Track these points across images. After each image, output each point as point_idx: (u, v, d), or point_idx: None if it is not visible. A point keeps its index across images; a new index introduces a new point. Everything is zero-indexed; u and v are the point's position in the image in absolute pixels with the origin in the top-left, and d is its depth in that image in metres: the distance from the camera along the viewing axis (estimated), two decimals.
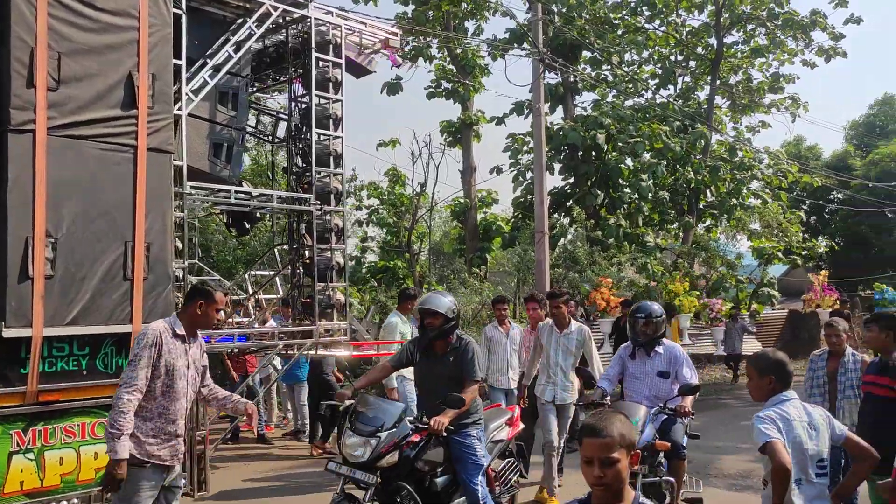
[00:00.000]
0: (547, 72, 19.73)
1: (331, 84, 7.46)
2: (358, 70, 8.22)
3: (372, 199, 22.32)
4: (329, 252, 7.38)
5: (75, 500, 5.86)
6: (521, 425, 6.48)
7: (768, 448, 3.59)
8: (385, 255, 21.91)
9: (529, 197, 22.15)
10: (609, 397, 6.42)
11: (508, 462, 6.12)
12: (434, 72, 22.11)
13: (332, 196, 7.43)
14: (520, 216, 22.31)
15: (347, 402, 5.13)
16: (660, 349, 6.20)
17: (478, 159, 22.19)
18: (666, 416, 6.03)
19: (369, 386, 5.82)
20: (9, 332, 5.47)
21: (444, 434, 5.02)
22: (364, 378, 5.61)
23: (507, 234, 22.16)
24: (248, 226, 8.21)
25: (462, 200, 21.99)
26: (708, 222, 22.45)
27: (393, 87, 21.69)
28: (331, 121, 7.46)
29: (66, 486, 5.81)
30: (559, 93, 22.97)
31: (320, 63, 7.45)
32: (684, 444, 6.29)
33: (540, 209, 17.34)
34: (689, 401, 5.95)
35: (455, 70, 21.89)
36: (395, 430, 4.92)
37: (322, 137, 7.50)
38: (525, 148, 22.13)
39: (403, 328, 7.99)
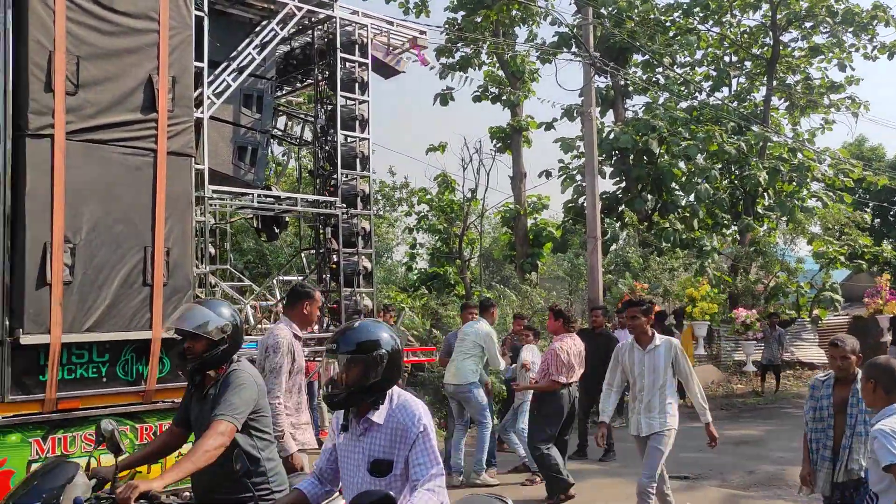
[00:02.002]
0: (597, 75, 19.32)
1: (357, 85, 7.21)
2: (386, 70, 7.96)
3: (422, 204, 22.14)
4: (356, 256, 7.12)
5: None
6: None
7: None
8: (435, 262, 21.67)
9: (580, 201, 21.66)
10: None
11: None
12: (484, 78, 21.84)
13: (359, 199, 7.17)
14: (570, 221, 21.81)
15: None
16: (377, 416, 3.05)
17: (527, 165, 21.77)
18: None
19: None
20: (27, 339, 5.32)
21: None
22: (139, 453, 4.09)
23: (558, 239, 21.69)
24: (277, 230, 8.03)
25: (512, 206, 21.63)
26: (766, 225, 21.54)
27: (444, 98, 21.48)
28: (357, 122, 7.20)
29: None
30: (609, 96, 22.44)
31: (346, 63, 7.21)
32: None
33: (592, 214, 16.85)
34: None
35: (504, 76, 21.56)
36: None
37: (349, 139, 7.25)
38: (575, 152, 21.66)
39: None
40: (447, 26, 21.43)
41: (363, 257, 7.14)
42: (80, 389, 5.61)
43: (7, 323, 5.32)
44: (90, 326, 5.60)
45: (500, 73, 21.77)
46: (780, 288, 19.34)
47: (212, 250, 8.37)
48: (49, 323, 5.40)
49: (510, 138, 21.62)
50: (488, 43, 20.48)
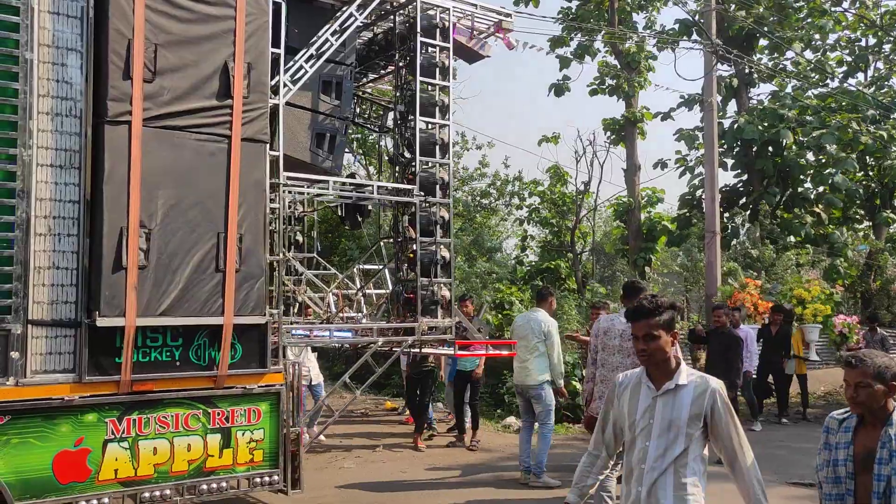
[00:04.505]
0: (719, 63, 18.15)
1: (437, 70, 6.90)
2: (470, 55, 7.61)
3: (533, 196, 21.61)
4: (434, 246, 6.82)
5: (168, 491, 5.69)
6: None
7: None
8: (545, 255, 21.09)
9: (698, 194, 20.52)
10: None
11: None
12: (598, 67, 21.01)
13: (438, 187, 6.86)
14: (686, 214, 20.68)
15: None
16: None
17: (642, 157, 20.76)
18: None
19: None
20: (103, 322, 5.36)
21: None
22: None
23: (673, 233, 20.61)
24: (360, 219, 7.86)
25: (625, 199, 20.73)
26: None
27: (560, 89, 20.84)
28: (437, 108, 6.89)
29: (159, 476, 5.66)
30: (733, 85, 21.08)
31: (427, 48, 6.91)
32: None
33: (711, 207, 15.90)
34: None
35: (619, 66, 20.66)
36: None
37: (429, 126, 6.95)
38: (695, 144, 20.53)
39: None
40: (561, 16, 20.79)
41: (442, 246, 6.84)
42: (154, 372, 5.62)
43: (85, 305, 5.39)
44: (164, 311, 5.59)
45: (616, 62, 20.85)
46: None
47: (300, 238, 8.36)
48: (124, 306, 5.42)
49: (624, 130, 20.70)
50: (604, 32, 19.66)
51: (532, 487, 7.69)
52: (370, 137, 17.89)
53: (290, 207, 8.13)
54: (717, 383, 3.28)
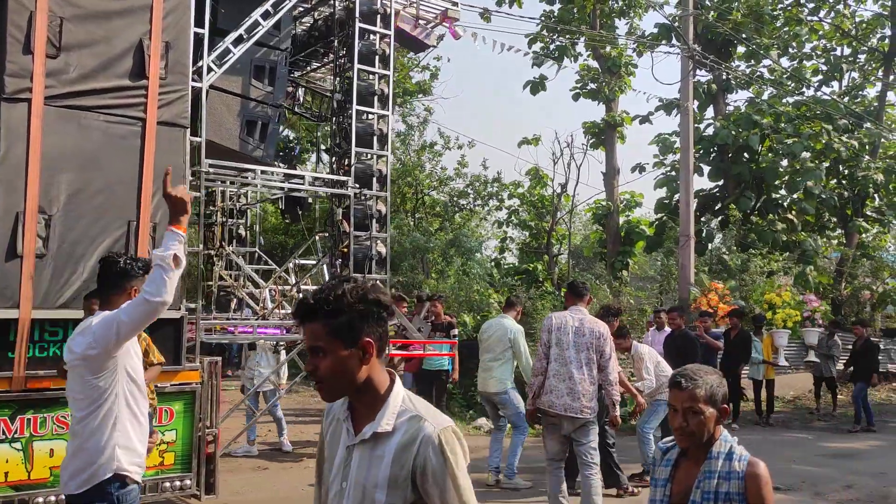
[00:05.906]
0: (697, 69, 17.62)
1: (377, 58, 6.32)
2: (415, 44, 7.04)
3: (513, 198, 21.03)
4: (369, 240, 6.23)
5: (63, 496, 5.10)
6: None
7: None
8: (524, 258, 20.50)
9: (675, 198, 19.98)
10: None
11: None
12: (579, 71, 20.43)
13: (375, 179, 6.27)
14: (663, 219, 20.12)
15: None
16: None
17: (621, 161, 20.20)
18: None
19: None
20: None
21: None
22: None
23: (651, 237, 20.04)
24: (300, 211, 7.28)
25: (604, 203, 20.16)
26: (875, 229, 19.10)
27: (535, 86, 20.26)
28: (376, 97, 6.31)
29: (55, 480, 5.06)
30: (711, 91, 20.54)
31: (368, 35, 6.33)
32: None
33: (685, 212, 15.35)
34: None
35: (599, 69, 20.07)
36: None
37: (368, 116, 6.37)
38: (670, 148, 20.00)
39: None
40: (543, 18, 20.20)
41: (378, 241, 6.26)
42: (52, 368, 5.03)
43: None
44: (65, 303, 5.05)
45: (596, 66, 20.28)
46: (888, 295, 17.01)
47: (242, 232, 7.78)
48: (18, 297, 4.85)
49: (604, 133, 20.14)
50: (585, 35, 19.08)
51: (503, 488, 7.21)
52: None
53: (231, 200, 7.54)
54: (434, 428, 1.87)
